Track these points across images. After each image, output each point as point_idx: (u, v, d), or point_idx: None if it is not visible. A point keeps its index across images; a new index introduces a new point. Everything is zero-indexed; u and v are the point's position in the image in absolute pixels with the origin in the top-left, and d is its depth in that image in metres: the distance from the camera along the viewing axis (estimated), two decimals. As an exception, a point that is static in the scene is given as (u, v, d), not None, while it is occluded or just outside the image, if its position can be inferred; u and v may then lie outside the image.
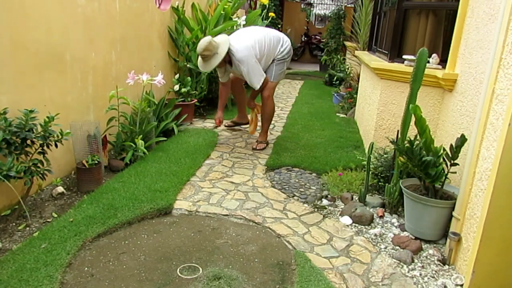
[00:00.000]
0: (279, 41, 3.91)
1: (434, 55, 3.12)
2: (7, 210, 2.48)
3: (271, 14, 8.07)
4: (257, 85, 3.74)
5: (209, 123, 4.90)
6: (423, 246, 2.38)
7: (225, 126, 4.67)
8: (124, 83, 3.51)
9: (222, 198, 2.90)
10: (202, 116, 5.22)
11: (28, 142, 2.40)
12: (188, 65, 5.05)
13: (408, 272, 2.14)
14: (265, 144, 4.06)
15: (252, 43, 3.70)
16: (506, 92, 1.84)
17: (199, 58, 3.70)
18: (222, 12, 5.35)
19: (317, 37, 12.97)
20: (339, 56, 8.00)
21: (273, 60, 3.88)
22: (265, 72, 3.82)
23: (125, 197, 2.73)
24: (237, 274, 2.05)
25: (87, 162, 2.90)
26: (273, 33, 3.96)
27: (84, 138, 2.97)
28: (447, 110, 2.93)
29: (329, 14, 12.24)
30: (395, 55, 3.62)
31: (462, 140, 2.21)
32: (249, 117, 4.45)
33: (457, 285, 2.04)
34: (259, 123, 4.26)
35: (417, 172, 2.42)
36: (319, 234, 2.48)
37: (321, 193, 3.05)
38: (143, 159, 3.43)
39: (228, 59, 3.76)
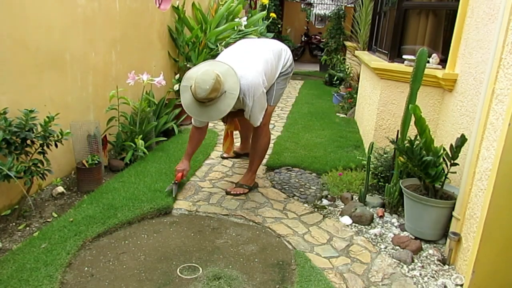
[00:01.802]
0: (281, 52, 3.02)
1: (434, 55, 3.12)
2: (7, 210, 2.48)
3: (272, 14, 8.06)
4: (258, 123, 2.82)
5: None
6: (423, 246, 2.38)
7: (222, 157, 3.70)
8: (124, 83, 3.51)
9: (222, 198, 2.90)
10: (202, 116, 5.21)
11: (28, 142, 2.40)
12: (188, 65, 5.04)
13: (408, 272, 2.14)
14: (247, 190, 2.97)
15: (261, 67, 2.75)
16: (506, 92, 1.84)
17: (192, 102, 2.56)
18: (225, 12, 5.33)
19: (317, 37, 12.96)
20: (339, 56, 8.00)
21: (276, 78, 2.97)
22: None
23: (125, 197, 2.73)
24: (237, 274, 2.05)
25: (87, 162, 2.90)
26: (273, 44, 3.06)
27: (84, 138, 2.97)
28: (447, 110, 2.93)
29: (329, 14, 12.24)
30: (395, 55, 3.62)
31: (462, 140, 2.21)
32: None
33: (457, 285, 2.04)
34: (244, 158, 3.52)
35: (417, 172, 2.42)
36: (319, 234, 2.48)
37: (321, 193, 3.05)
38: (143, 159, 3.43)
39: None
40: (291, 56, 3.13)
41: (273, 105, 3.02)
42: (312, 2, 14.38)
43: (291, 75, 3.15)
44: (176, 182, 2.92)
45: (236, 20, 5.36)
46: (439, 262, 2.23)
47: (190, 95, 2.55)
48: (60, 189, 2.81)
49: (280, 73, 3.00)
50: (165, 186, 2.93)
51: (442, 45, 3.35)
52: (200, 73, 2.47)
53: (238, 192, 2.95)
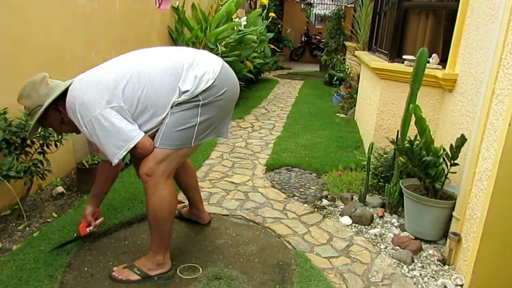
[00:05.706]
0: (181, 68, 1.84)
1: (434, 55, 3.12)
2: (7, 210, 2.48)
3: (271, 14, 8.07)
4: (113, 158, 1.79)
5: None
6: (423, 246, 2.38)
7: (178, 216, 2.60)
8: (124, 83, 3.51)
9: (222, 198, 2.90)
10: (202, 116, 5.21)
11: (28, 142, 2.40)
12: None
13: (408, 272, 2.14)
14: (139, 277, 1.96)
15: (110, 78, 1.84)
16: (506, 92, 1.84)
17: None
18: (225, 12, 5.34)
19: (317, 37, 12.96)
20: (339, 56, 8.00)
21: (171, 107, 1.85)
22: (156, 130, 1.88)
23: (125, 197, 2.73)
24: (237, 274, 2.05)
25: (87, 162, 2.89)
26: (173, 55, 1.92)
27: (84, 138, 2.98)
28: (447, 110, 2.93)
29: (329, 14, 12.23)
30: (395, 55, 3.62)
31: (462, 140, 2.21)
32: None
33: (457, 285, 2.04)
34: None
35: (417, 172, 2.42)
36: (319, 234, 2.48)
37: (321, 193, 3.05)
38: (143, 159, 3.42)
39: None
40: (216, 73, 1.86)
41: (163, 147, 1.84)
42: (312, 2, 14.37)
43: (218, 105, 1.89)
44: (79, 237, 2.19)
45: (236, 20, 5.37)
46: (439, 262, 2.23)
47: None
48: (60, 189, 2.80)
49: (180, 99, 1.82)
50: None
51: (442, 45, 3.34)
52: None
53: (121, 277, 1.95)
